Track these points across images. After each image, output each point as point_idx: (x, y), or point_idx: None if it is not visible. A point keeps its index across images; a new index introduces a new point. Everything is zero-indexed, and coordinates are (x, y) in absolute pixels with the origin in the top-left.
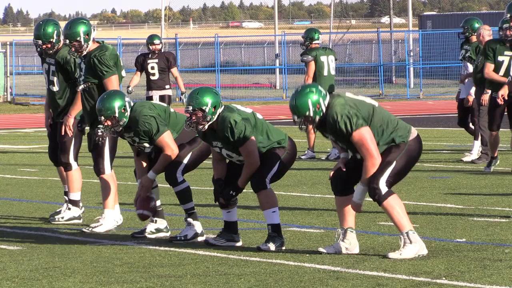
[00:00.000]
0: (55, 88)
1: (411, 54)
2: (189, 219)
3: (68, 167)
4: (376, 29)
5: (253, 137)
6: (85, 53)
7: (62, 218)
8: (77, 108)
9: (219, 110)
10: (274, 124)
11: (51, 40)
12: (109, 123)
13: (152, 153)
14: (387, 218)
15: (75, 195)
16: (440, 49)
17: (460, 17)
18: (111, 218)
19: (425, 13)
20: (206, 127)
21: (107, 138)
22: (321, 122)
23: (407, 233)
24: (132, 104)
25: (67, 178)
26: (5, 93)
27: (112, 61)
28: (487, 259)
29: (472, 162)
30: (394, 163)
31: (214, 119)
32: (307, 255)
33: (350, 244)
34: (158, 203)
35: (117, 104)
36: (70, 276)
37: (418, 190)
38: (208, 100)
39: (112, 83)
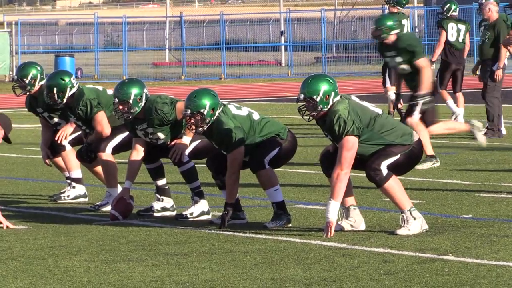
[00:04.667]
0: (55, 120)
1: (416, 30)
2: (196, 198)
3: (61, 148)
4: (381, 6)
5: (241, 148)
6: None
7: (68, 196)
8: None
9: (218, 111)
10: (280, 101)
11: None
12: (121, 107)
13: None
14: None
15: (76, 173)
16: None
17: None
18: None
19: None
20: (206, 128)
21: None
22: (323, 117)
23: (409, 210)
24: (148, 96)
25: (63, 159)
26: (11, 73)
27: (95, 101)
28: (494, 235)
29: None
30: (399, 155)
31: (213, 120)
32: (313, 232)
33: (355, 221)
34: (164, 181)
35: (134, 91)
36: (76, 254)
37: None
38: (206, 102)
39: (101, 118)
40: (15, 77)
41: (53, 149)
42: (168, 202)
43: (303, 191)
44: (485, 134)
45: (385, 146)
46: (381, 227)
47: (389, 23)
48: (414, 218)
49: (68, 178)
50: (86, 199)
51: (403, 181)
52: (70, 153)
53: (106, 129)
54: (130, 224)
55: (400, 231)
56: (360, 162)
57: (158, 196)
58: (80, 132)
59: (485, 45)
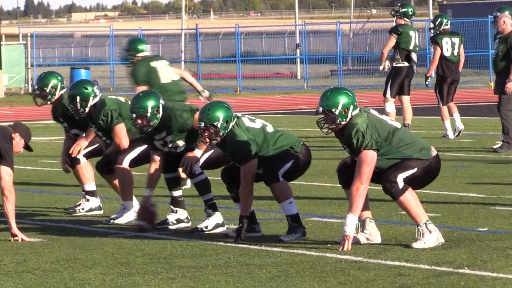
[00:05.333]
0: (75, 130)
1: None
2: (209, 210)
3: (76, 161)
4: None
5: (254, 161)
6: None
7: (83, 209)
8: (91, 136)
9: (232, 123)
10: (295, 114)
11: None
12: (140, 121)
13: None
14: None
15: (90, 186)
16: None
17: (480, 6)
18: (131, 210)
19: (445, 2)
20: (219, 141)
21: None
22: (341, 130)
23: (424, 224)
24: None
25: (78, 172)
26: (26, 85)
27: (116, 112)
28: (510, 248)
29: (494, 151)
30: (416, 169)
31: (227, 133)
32: (329, 245)
33: (371, 234)
34: (179, 192)
35: (150, 103)
36: (91, 267)
37: (440, 180)
38: (220, 115)
39: (120, 131)
40: (36, 86)
41: (70, 161)
42: (182, 213)
43: (318, 204)
44: (501, 147)
45: (403, 160)
46: (397, 240)
47: None
48: (430, 232)
49: (83, 190)
50: (101, 212)
51: (418, 194)
52: (85, 166)
53: (124, 142)
54: (145, 237)
55: (415, 245)
56: (377, 176)
57: (172, 207)
58: (96, 145)
59: (498, 58)
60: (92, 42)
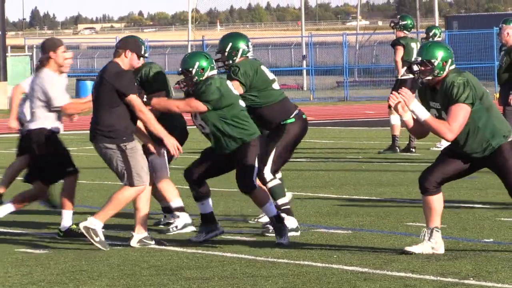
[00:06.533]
0: None
1: None
2: (283, 214)
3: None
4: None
5: (201, 105)
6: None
7: (176, 227)
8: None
9: (208, 73)
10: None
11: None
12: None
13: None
14: (415, 219)
15: (176, 202)
16: (466, 50)
17: (486, 18)
18: (184, 217)
19: (451, 14)
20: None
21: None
22: (435, 85)
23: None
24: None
25: (160, 190)
26: None
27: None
28: None
29: None
30: None
31: (203, 80)
32: (335, 256)
33: (436, 243)
34: (289, 196)
35: (198, 63)
36: (97, 279)
37: (446, 190)
38: (196, 62)
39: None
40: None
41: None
42: (185, 217)
43: (324, 215)
44: None
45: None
46: (403, 252)
47: None
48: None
49: (164, 210)
50: (194, 228)
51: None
52: (167, 183)
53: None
54: (151, 249)
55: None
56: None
57: (175, 214)
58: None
59: (502, 70)
60: (98, 53)
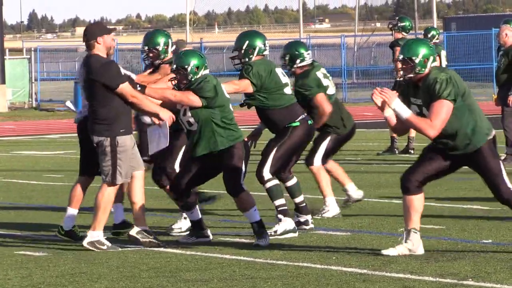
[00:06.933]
0: None
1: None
2: (280, 216)
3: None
4: None
5: (196, 98)
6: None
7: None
8: None
9: (202, 72)
10: None
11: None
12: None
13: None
14: None
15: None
16: (464, 51)
17: (484, 19)
18: (334, 205)
19: (449, 15)
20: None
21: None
22: (418, 81)
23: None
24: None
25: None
26: (30, 99)
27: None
28: None
29: None
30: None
31: (198, 78)
32: (334, 257)
33: (413, 245)
34: (301, 198)
35: (193, 62)
36: (97, 281)
37: (444, 192)
38: (192, 61)
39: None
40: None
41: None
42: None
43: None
44: (505, 159)
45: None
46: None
47: None
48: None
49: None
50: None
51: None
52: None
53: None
54: (150, 251)
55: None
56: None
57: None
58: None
59: (500, 71)
60: None
